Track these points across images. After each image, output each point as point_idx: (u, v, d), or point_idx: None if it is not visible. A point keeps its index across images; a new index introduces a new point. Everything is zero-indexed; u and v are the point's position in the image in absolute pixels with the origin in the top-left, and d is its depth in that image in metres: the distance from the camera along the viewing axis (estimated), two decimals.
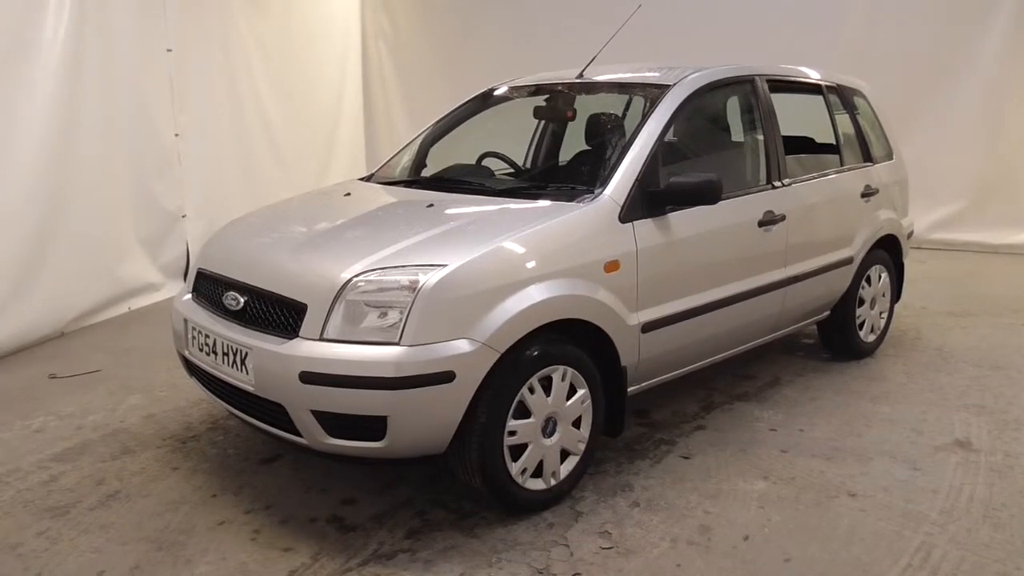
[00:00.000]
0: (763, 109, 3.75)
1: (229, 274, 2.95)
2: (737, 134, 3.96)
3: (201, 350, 2.94)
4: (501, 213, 3.01)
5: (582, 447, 2.93)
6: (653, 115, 3.24)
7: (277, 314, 2.69)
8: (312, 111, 7.80)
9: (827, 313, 4.20)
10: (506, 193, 3.31)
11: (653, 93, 3.39)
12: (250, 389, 2.69)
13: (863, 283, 4.27)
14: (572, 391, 2.85)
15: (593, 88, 3.84)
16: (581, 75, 3.80)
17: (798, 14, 7.23)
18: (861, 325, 4.34)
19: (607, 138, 3.57)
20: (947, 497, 2.94)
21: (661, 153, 3.19)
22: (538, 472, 2.80)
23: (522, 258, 2.70)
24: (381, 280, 2.56)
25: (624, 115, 3.84)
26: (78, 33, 4.92)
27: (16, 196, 4.60)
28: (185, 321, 3.04)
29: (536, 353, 2.69)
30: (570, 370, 2.82)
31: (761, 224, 3.51)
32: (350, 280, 2.57)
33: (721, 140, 3.93)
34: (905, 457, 3.25)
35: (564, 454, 2.88)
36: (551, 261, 2.74)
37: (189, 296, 3.16)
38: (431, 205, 3.17)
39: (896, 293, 4.62)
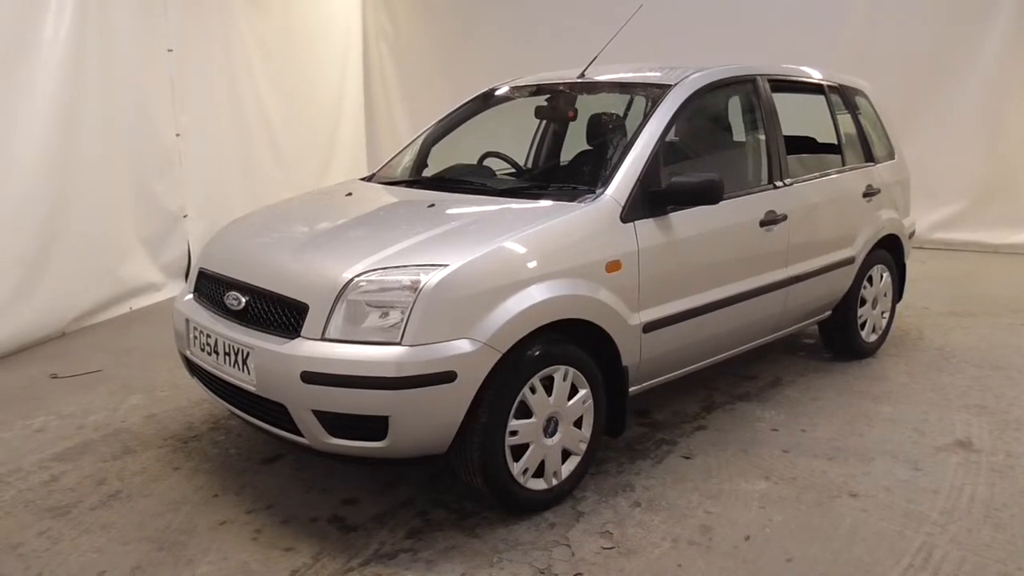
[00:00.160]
0: (765, 109, 3.75)
1: (230, 274, 2.95)
2: (739, 134, 3.96)
3: (203, 350, 2.94)
4: (502, 213, 3.01)
5: (583, 447, 2.93)
6: (654, 115, 3.24)
7: (278, 314, 2.69)
8: (313, 111, 7.80)
9: (829, 313, 4.20)
10: (507, 193, 3.31)
11: (654, 93, 3.39)
12: (251, 389, 2.69)
13: (865, 283, 4.27)
14: (573, 391, 2.85)
15: (594, 88, 3.84)
16: (582, 75, 3.80)
17: (799, 14, 7.23)
18: (863, 325, 4.33)
19: (608, 138, 3.58)
20: (948, 497, 2.94)
21: (662, 153, 3.18)
22: (539, 472, 2.80)
23: (523, 258, 2.69)
24: (382, 280, 2.56)
25: (625, 115, 3.84)
26: (79, 33, 4.92)
27: (17, 196, 4.61)
28: (187, 321, 3.04)
29: (537, 353, 2.69)
30: (571, 370, 2.82)
31: (763, 224, 3.51)
32: (351, 280, 2.56)
33: (723, 140, 3.93)
34: (907, 457, 3.25)
35: (565, 454, 2.88)
36: (552, 261, 2.74)
37: (190, 296, 3.16)
38: (432, 205, 3.16)
39: (898, 293, 4.62)
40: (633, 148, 3.12)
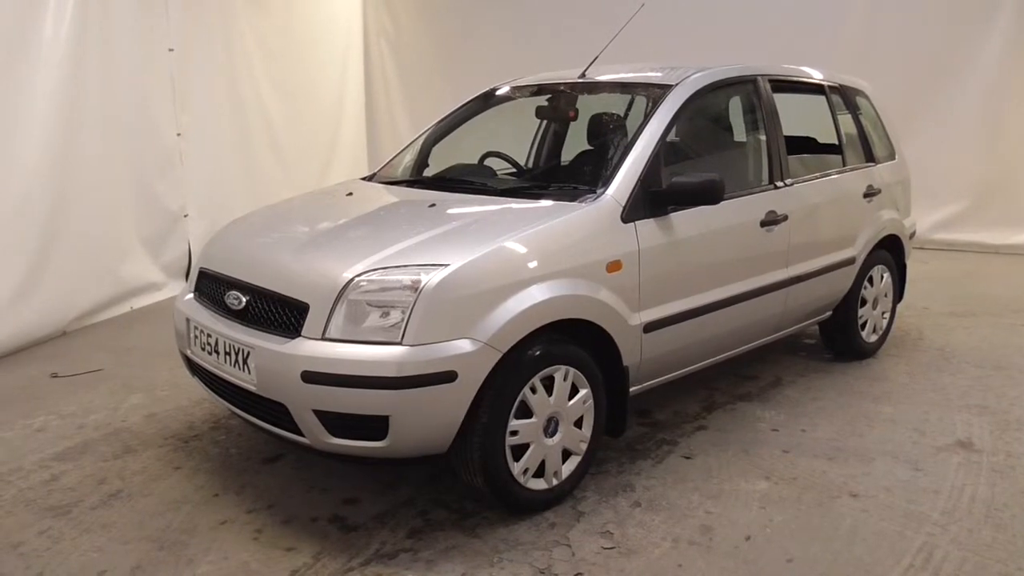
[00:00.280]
0: (765, 109, 3.75)
1: (231, 273, 2.95)
2: (739, 134, 3.96)
3: (203, 349, 2.94)
4: (503, 213, 3.01)
5: (584, 447, 2.93)
6: (655, 115, 3.24)
7: (279, 313, 2.69)
8: (314, 110, 7.81)
9: (829, 313, 4.20)
10: (508, 193, 3.31)
11: (655, 93, 3.39)
12: (252, 388, 2.69)
13: (865, 283, 4.27)
14: (574, 391, 2.85)
15: (595, 88, 3.84)
16: (583, 75, 3.80)
17: (799, 14, 7.23)
18: (863, 325, 4.33)
19: (609, 138, 3.58)
20: (949, 497, 2.94)
21: (663, 153, 3.18)
22: (540, 472, 2.80)
23: (524, 258, 2.69)
24: (383, 280, 2.56)
25: (626, 115, 3.84)
26: (79, 33, 4.92)
27: (18, 196, 4.61)
28: (187, 320, 3.04)
29: (538, 353, 2.69)
30: (572, 370, 2.82)
31: (763, 224, 3.51)
32: (352, 280, 2.57)
33: (723, 140, 3.93)
34: (907, 457, 3.25)
35: (566, 454, 2.88)
36: (553, 261, 2.74)
37: (191, 295, 3.16)
38: (433, 205, 3.16)
39: (898, 293, 4.62)
40: (634, 148, 3.12)
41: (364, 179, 3.97)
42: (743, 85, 3.78)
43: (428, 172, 3.86)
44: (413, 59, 8.67)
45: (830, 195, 3.98)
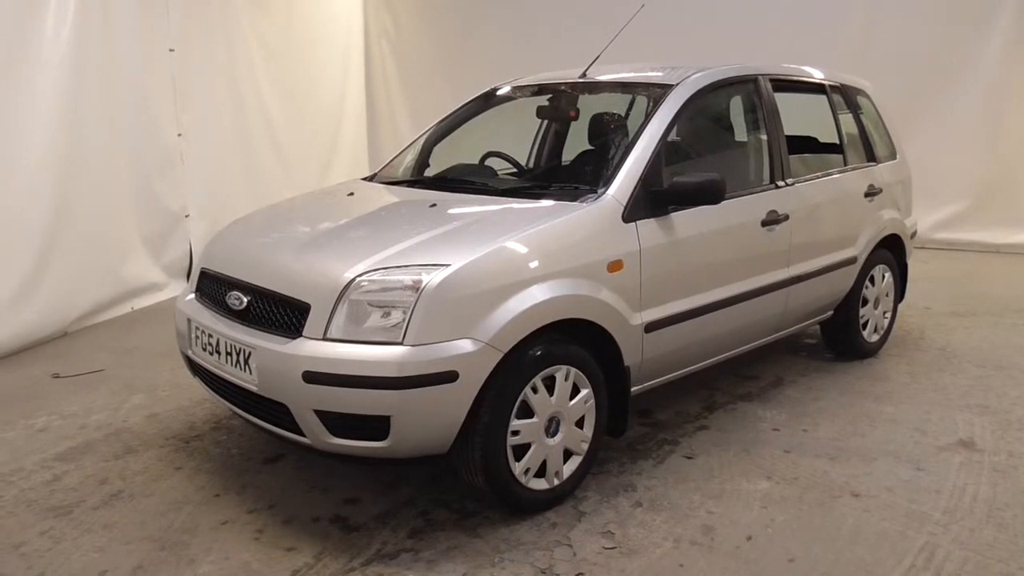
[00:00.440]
0: (766, 109, 3.75)
1: (232, 274, 2.95)
2: (740, 134, 3.96)
3: (204, 350, 2.94)
4: (504, 213, 3.01)
5: (585, 447, 2.93)
6: (656, 115, 3.24)
7: (280, 314, 2.69)
8: (315, 111, 7.81)
9: (830, 313, 4.20)
10: (509, 193, 3.31)
11: (656, 93, 3.39)
12: (253, 389, 2.69)
13: (867, 283, 4.27)
14: (575, 391, 2.85)
15: (596, 88, 3.84)
16: (584, 75, 3.80)
17: (800, 14, 7.23)
18: (864, 325, 4.33)
19: (610, 138, 3.58)
20: (951, 497, 2.93)
21: (664, 153, 3.18)
22: (541, 472, 2.80)
23: (525, 258, 2.69)
24: (384, 280, 2.56)
25: (627, 115, 3.84)
26: (80, 33, 4.92)
27: (19, 196, 4.61)
28: (188, 321, 3.04)
29: (539, 353, 2.69)
30: (573, 370, 2.82)
31: (764, 224, 3.51)
32: (353, 280, 2.57)
33: (724, 140, 3.93)
34: (909, 457, 3.25)
35: (567, 454, 2.88)
36: (554, 261, 2.74)
37: (192, 296, 3.17)
38: (434, 205, 3.16)
39: (899, 293, 4.62)
40: (635, 148, 3.12)
41: (365, 179, 3.97)
42: (744, 85, 3.78)
43: (429, 172, 3.86)
44: (414, 59, 8.67)
45: (831, 195, 3.98)
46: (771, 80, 3.83)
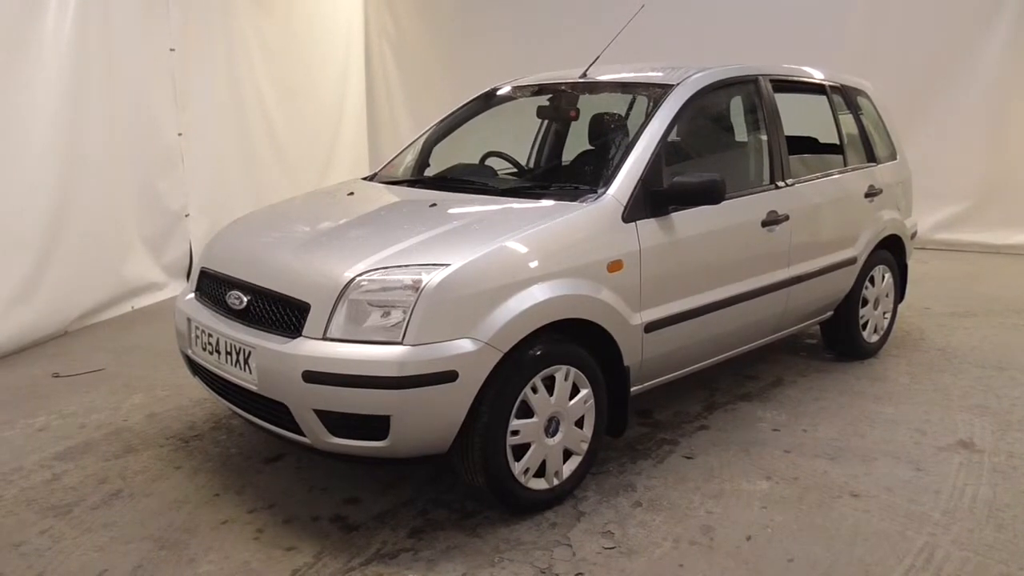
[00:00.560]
0: (767, 109, 3.75)
1: (232, 273, 2.95)
2: (740, 134, 3.96)
3: (204, 349, 2.94)
4: (504, 213, 3.01)
5: (585, 447, 2.93)
6: (656, 115, 3.24)
7: (280, 313, 2.69)
8: (315, 110, 7.81)
9: (830, 313, 4.20)
10: (509, 193, 3.31)
11: (656, 93, 3.39)
12: (253, 388, 2.69)
13: (866, 283, 4.27)
14: (575, 391, 2.85)
15: (596, 88, 3.84)
16: (584, 75, 3.80)
17: (800, 14, 7.23)
18: (864, 325, 4.33)
19: (610, 138, 3.58)
20: (950, 498, 2.93)
21: (664, 153, 3.18)
22: (541, 472, 2.80)
23: (525, 258, 2.69)
24: (384, 279, 2.56)
25: (627, 115, 3.84)
26: (81, 33, 4.92)
27: (20, 195, 4.61)
28: (188, 320, 3.04)
29: (539, 353, 2.69)
30: (573, 370, 2.82)
31: (764, 224, 3.51)
32: (353, 279, 2.57)
33: (724, 140, 3.93)
34: (908, 457, 3.25)
35: (567, 454, 2.88)
36: (554, 261, 2.74)
37: (192, 295, 3.17)
38: (434, 204, 3.16)
39: (899, 293, 4.62)
40: (635, 148, 3.12)
41: (365, 179, 3.97)
42: (744, 85, 3.78)
43: (429, 172, 3.86)
44: (414, 59, 8.67)
45: (831, 195, 3.98)
46: (771, 80, 3.83)
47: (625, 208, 2.98)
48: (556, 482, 2.85)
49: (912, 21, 6.95)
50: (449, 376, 2.48)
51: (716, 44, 7.17)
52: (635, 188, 3.02)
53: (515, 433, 2.68)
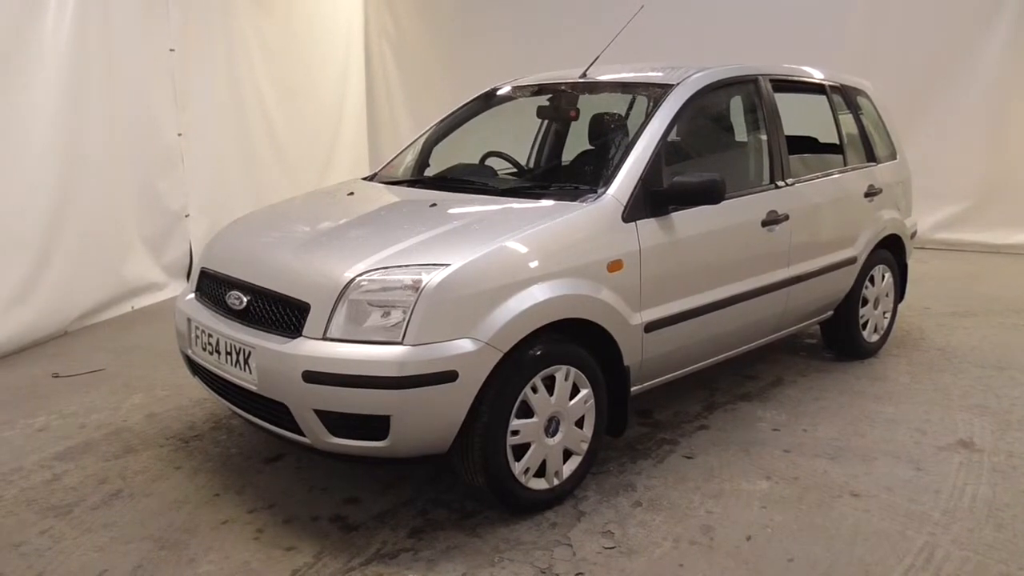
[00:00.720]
0: (766, 109, 3.75)
1: (232, 273, 2.95)
2: (740, 134, 3.96)
3: (204, 349, 2.94)
4: (504, 213, 3.01)
5: (585, 447, 2.93)
6: (656, 115, 3.24)
7: (280, 313, 2.69)
8: (315, 110, 7.81)
9: (830, 313, 4.20)
10: (509, 193, 3.31)
11: (656, 93, 3.39)
12: (253, 388, 2.69)
13: (866, 283, 4.27)
14: (575, 391, 2.85)
15: (596, 88, 3.84)
16: (584, 75, 3.80)
17: (800, 14, 7.23)
18: (864, 325, 4.33)
19: (610, 138, 3.58)
20: (950, 497, 2.94)
21: (664, 153, 3.18)
22: (541, 472, 2.80)
23: (525, 258, 2.69)
24: (384, 279, 2.56)
25: (627, 115, 3.84)
26: (81, 33, 4.92)
27: (20, 195, 4.61)
28: (188, 320, 3.04)
29: (539, 353, 2.69)
30: (573, 370, 2.82)
31: (764, 224, 3.51)
32: (353, 279, 2.57)
33: (724, 140, 3.93)
34: (908, 457, 3.25)
35: (567, 454, 2.88)
36: (554, 261, 2.74)
37: (192, 295, 3.17)
38: (434, 204, 3.16)
39: (899, 293, 4.62)
40: (635, 148, 3.12)
41: (365, 179, 3.97)
42: (744, 85, 3.78)
43: (429, 172, 3.86)
44: (414, 59, 8.67)
45: (831, 195, 3.98)
46: (771, 80, 3.83)
47: (625, 208, 2.98)
48: (556, 482, 2.85)
49: (912, 21, 6.95)
50: (449, 376, 2.48)
51: (716, 44, 7.17)
52: (635, 188, 3.02)
53: (515, 433, 2.68)
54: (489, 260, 2.62)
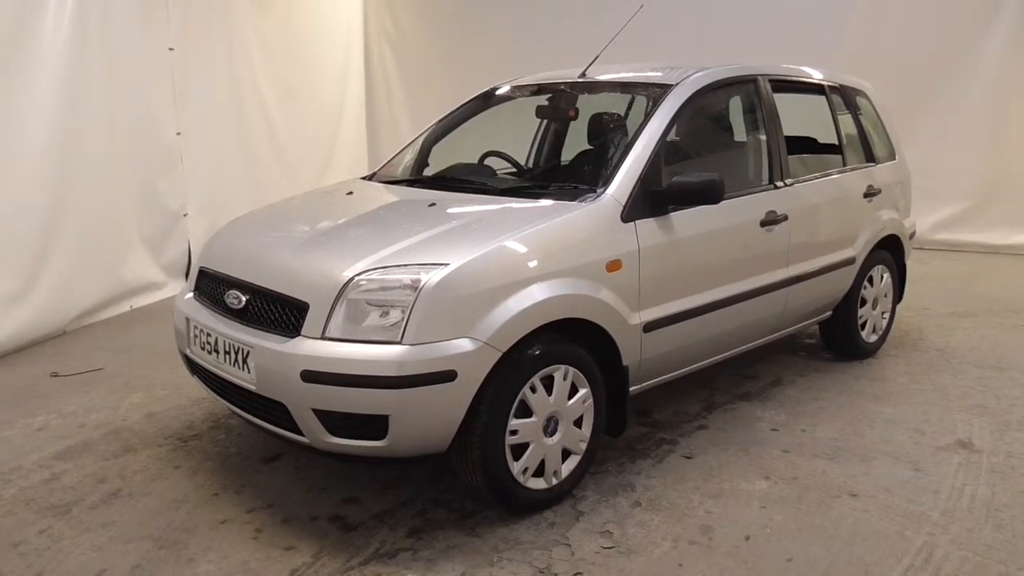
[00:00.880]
0: (766, 109, 3.75)
1: (231, 272, 2.95)
2: (739, 134, 3.96)
3: (203, 349, 2.94)
4: (503, 212, 3.01)
5: (584, 446, 2.93)
6: (655, 115, 3.24)
7: (279, 313, 2.69)
8: (314, 110, 7.81)
9: (829, 313, 4.20)
10: (508, 192, 3.31)
11: (655, 92, 3.39)
12: (252, 388, 2.69)
13: (865, 283, 4.27)
14: (574, 390, 2.85)
15: (595, 87, 3.84)
16: (583, 74, 3.80)
17: (800, 14, 7.23)
18: (863, 325, 4.33)
19: (609, 137, 3.58)
20: (949, 497, 2.94)
21: (663, 152, 3.18)
22: (540, 471, 2.80)
23: (524, 257, 2.69)
24: (383, 279, 2.56)
25: (626, 115, 3.84)
26: (80, 32, 4.92)
27: (19, 195, 4.61)
28: (187, 320, 3.04)
29: (538, 352, 2.69)
30: (572, 369, 2.82)
31: (763, 224, 3.51)
32: (352, 279, 2.57)
33: (723, 140, 3.93)
34: (907, 457, 3.25)
35: (566, 453, 2.88)
36: (553, 260, 2.74)
37: (191, 295, 3.17)
38: (433, 204, 3.16)
39: (898, 293, 4.62)
40: (634, 148, 3.12)
41: (364, 178, 3.97)
42: (743, 85, 3.78)
43: (428, 171, 3.86)
44: (414, 59, 8.67)
45: (830, 195, 3.98)
46: (771, 80, 3.83)
47: (624, 208, 2.98)
48: (555, 482, 2.85)
49: (912, 21, 6.95)
50: (448, 376, 2.48)
51: (716, 44, 7.17)
52: (634, 188, 3.02)
53: (514, 433, 2.68)
54: (488, 260, 2.62)
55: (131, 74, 5.43)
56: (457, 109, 4.13)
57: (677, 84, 3.40)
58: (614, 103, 3.93)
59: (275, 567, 2.54)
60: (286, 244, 2.97)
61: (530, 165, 4.20)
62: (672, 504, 2.90)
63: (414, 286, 2.51)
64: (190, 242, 6.02)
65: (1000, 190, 6.98)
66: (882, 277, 4.41)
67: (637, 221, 3.00)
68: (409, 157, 3.98)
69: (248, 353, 2.67)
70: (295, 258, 2.81)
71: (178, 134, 5.89)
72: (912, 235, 4.70)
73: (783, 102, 3.85)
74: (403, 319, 2.49)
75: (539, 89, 4.02)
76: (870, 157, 4.37)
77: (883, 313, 4.48)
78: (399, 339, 2.48)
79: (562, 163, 4.17)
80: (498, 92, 4.11)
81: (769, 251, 3.58)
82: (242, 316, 2.81)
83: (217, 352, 2.84)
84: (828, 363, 4.34)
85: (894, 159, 4.56)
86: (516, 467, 2.71)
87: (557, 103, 4.00)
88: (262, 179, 6.86)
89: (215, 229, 3.58)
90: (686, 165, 3.52)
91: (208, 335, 2.89)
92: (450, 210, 3.09)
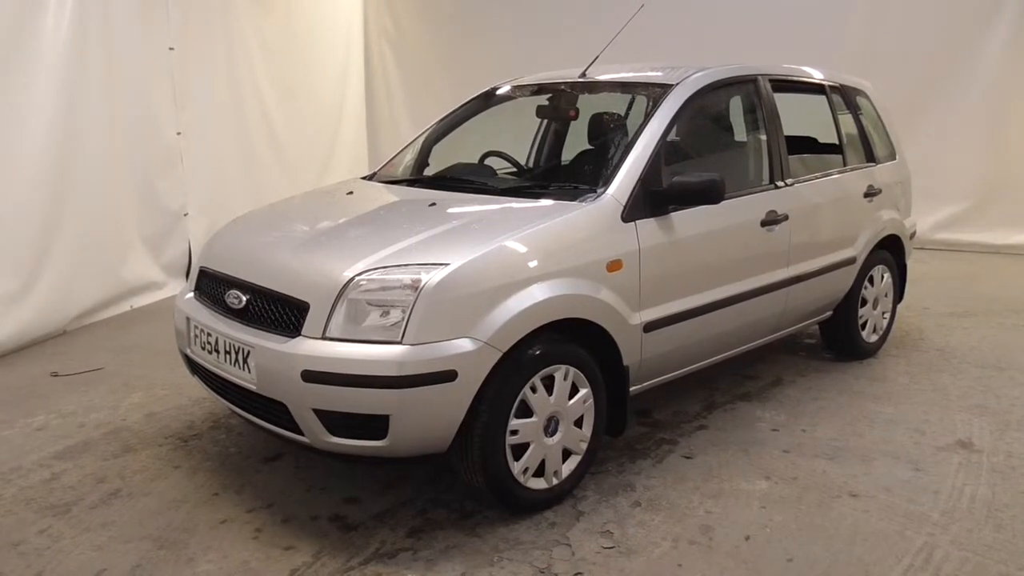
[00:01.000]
0: (766, 109, 3.75)
1: (231, 272, 2.95)
2: (740, 134, 3.96)
3: (203, 348, 2.94)
4: (503, 212, 3.01)
5: (584, 446, 2.92)
6: (656, 114, 3.24)
7: (279, 312, 2.69)
8: (315, 110, 7.81)
9: (829, 313, 4.20)
10: (509, 192, 3.31)
11: (656, 92, 3.39)
12: (252, 387, 2.69)
13: (865, 283, 4.27)
14: (574, 390, 2.85)
15: (596, 87, 3.84)
16: (584, 74, 3.80)
17: (800, 14, 7.23)
18: (863, 325, 4.33)
19: (610, 137, 3.58)
20: (949, 498, 2.94)
21: (664, 152, 3.18)
22: (540, 471, 2.80)
23: (524, 257, 2.69)
24: (383, 279, 2.56)
25: (627, 114, 3.84)
26: (80, 32, 4.92)
27: (19, 195, 4.61)
28: (187, 319, 3.04)
29: (538, 352, 2.69)
30: (572, 369, 2.82)
31: (764, 224, 3.51)
32: (352, 279, 2.56)
33: (724, 140, 3.93)
34: (907, 457, 3.25)
35: (566, 453, 2.88)
36: (553, 260, 2.74)
37: (191, 294, 3.16)
38: (433, 204, 3.16)
39: (898, 293, 4.62)
40: (634, 148, 3.12)
41: (364, 178, 3.97)
42: (744, 85, 3.78)
43: (428, 171, 3.86)
44: (414, 59, 8.67)
45: (831, 195, 3.98)
46: (771, 80, 3.83)
47: (624, 208, 2.98)
48: (555, 482, 2.85)
49: (912, 21, 6.95)
50: (448, 376, 2.48)
51: (716, 44, 7.17)
52: (634, 188, 3.02)
53: (514, 433, 2.68)
54: (488, 260, 2.62)
55: (131, 74, 5.43)
56: (457, 109, 4.13)
57: (677, 84, 3.40)
58: (614, 103, 3.93)
59: (275, 567, 2.54)
60: (286, 244, 2.97)
61: (530, 165, 4.20)
62: (672, 504, 2.90)
63: (414, 286, 2.51)
64: (190, 242, 6.02)
65: (1000, 190, 6.98)
66: (882, 277, 4.41)
67: (637, 221, 3.00)
68: (409, 157, 3.98)
69: (248, 353, 2.67)
70: (295, 258, 2.81)
71: (178, 134, 5.89)
72: (912, 235, 4.70)
73: (783, 102, 3.85)
74: (403, 319, 2.49)
75: (539, 89, 4.02)
76: (870, 157, 4.37)
77: (883, 313, 4.48)
78: (399, 339, 2.48)
79: (562, 163, 4.17)
80: (498, 92, 4.11)
81: (769, 251, 3.58)
82: (242, 316, 2.81)
83: (217, 352, 2.84)
84: (828, 363, 4.34)
85: (894, 159, 4.56)
86: (516, 467, 2.71)
87: (557, 103, 4.00)
88: (262, 179, 6.86)
89: (215, 229, 3.57)
90: (686, 165, 3.52)
91: (208, 335, 2.89)
92: (450, 210, 3.09)
